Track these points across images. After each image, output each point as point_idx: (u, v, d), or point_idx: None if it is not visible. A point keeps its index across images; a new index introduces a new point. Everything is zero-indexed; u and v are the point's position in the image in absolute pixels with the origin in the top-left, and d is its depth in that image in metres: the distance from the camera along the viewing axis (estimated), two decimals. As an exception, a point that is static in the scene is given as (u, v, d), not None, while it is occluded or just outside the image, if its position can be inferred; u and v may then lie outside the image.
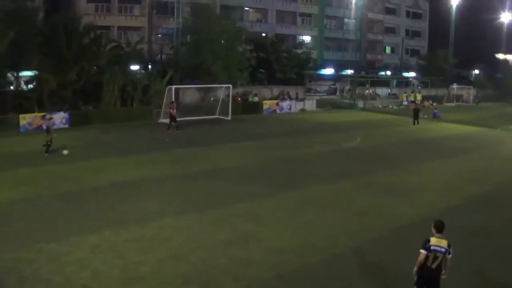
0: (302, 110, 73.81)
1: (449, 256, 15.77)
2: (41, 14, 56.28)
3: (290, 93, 77.12)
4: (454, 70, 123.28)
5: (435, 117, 73.75)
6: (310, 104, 76.72)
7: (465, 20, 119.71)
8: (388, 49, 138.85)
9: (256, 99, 70.75)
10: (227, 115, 58.89)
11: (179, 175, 32.63)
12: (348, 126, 59.90)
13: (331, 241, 22.31)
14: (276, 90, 77.63)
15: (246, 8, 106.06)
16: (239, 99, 68.06)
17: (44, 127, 41.22)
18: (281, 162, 37.16)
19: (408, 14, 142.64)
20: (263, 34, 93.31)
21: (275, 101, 71.38)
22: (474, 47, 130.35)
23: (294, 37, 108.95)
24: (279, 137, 47.16)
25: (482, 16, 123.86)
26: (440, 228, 16.26)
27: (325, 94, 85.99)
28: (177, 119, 49.88)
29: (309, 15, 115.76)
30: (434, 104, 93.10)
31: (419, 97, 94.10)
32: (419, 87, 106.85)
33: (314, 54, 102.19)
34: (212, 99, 64.80)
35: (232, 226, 23.22)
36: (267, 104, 69.22)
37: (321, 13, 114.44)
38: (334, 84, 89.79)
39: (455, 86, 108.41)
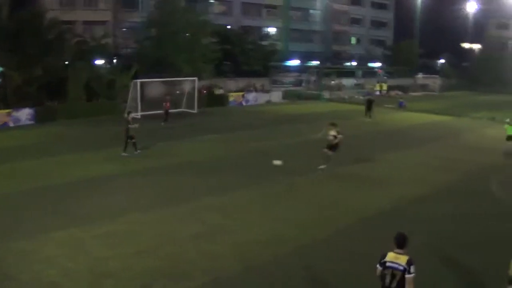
0: (268, 102, 73.90)
1: (409, 276, 13.56)
2: (6, 9, 55.69)
3: (256, 85, 77.11)
4: (420, 60, 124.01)
5: (401, 106, 74.31)
6: (276, 96, 76.84)
7: (431, 10, 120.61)
8: (353, 40, 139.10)
9: (221, 91, 70.67)
10: (193, 108, 58.83)
11: (147, 169, 32.55)
12: (314, 117, 59.94)
13: (300, 232, 22.47)
14: (241, 82, 77.57)
15: (211, 1, 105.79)
16: (205, 92, 67.88)
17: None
18: (248, 155, 37.27)
19: (373, 4, 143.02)
20: (228, 27, 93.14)
21: (241, 93, 71.36)
22: (440, 37, 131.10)
23: (260, 29, 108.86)
24: (245, 130, 47.24)
25: (447, 6, 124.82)
26: (400, 243, 14.22)
27: (291, 85, 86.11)
28: (142, 113, 49.82)
29: (274, 7, 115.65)
30: (400, 94, 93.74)
31: (384, 87, 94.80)
32: (385, 77, 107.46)
33: (280, 46, 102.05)
34: (177, 92, 64.66)
35: (200, 220, 23.29)
36: (233, 97, 69.24)
37: (286, 4, 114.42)
38: (300, 76, 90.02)
39: (421, 75, 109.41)
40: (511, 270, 14.88)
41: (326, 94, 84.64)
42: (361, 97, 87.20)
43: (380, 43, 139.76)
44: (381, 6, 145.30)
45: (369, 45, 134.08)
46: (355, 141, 45.23)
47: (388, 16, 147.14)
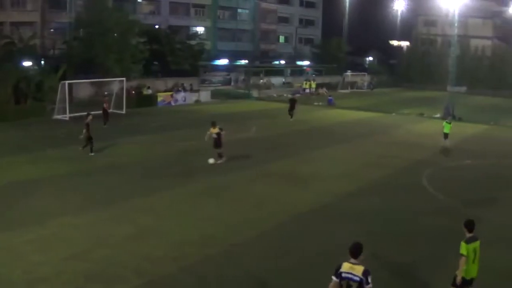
0: (197, 101, 73.84)
1: (367, 287, 13.34)
2: None
3: (185, 85, 76.94)
4: (348, 57, 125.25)
5: (330, 104, 75.21)
6: (205, 95, 76.84)
7: (359, 8, 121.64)
8: (282, 39, 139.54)
9: (150, 91, 70.44)
10: (121, 109, 58.48)
11: (77, 171, 32.43)
12: (243, 116, 60.46)
13: (232, 231, 22.90)
14: (170, 82, 77.27)
15: (139, 0, 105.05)
16: (133, 92, 67.53)
17: None
18: (178, 155, 37.43)
19: (301, 3, 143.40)
20: (157, 26, 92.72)
21: (170, 93, 71.12)
22: (368, 35, 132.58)
23: (188, 28, 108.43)
24: (174, 130, 47.26)
25: (375, 4, 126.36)
26: (354, 252, 13.71)
27: (220, 84, 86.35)
28: (72, 115, 49.49)
29: (203, 6, 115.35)
30: (329, 91, 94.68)
31: (313, 85, 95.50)
32: (313, 75, 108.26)
33: (208, 45, 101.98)
34: (106, 93, 64.32)
35: (132, 221, 23.48)
36: (161, 97, 68.94)
37: (214, 3, 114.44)
38: (228, 75, 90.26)
39: (349, 73, 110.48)
40: (462, 249, 15.40)
41: (254, 93, 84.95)
42: (289, 96, 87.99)
43: (308, 41, 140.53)
44: (309, 5, 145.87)
45: (298, 44, 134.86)
46: (284, 139, 45.85)
47: (316, 14, 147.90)
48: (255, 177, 32.70)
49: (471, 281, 15.79)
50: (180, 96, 71.74)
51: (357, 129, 53.61)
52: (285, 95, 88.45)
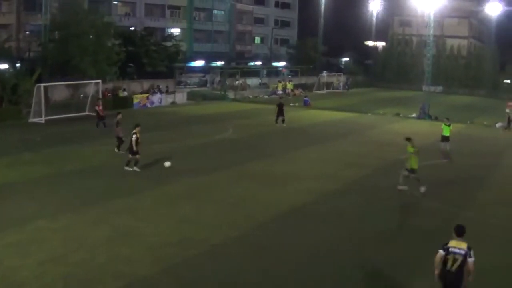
0: (173, 103, 73.67)
1: (470, 259, 15.28)
2: None
3: (161, 87, 76.76)
4: (324, 58, 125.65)
5: (306, 105, 75.39)
6: (180, 97, 76.67)
7: (334, 9, 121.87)
8: (257, 40, 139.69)
9: (125, 94, 70.16)
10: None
11: (53, 175, 32.23)
12: (219, 117, 60.44)
13: (212, 232, 22.86)
14: (146, 84, 76.97)
15: (114, 2, 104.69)
16: (109, 94, 67.22)
17: None
18: (154, 157, 37.25)
19: (277, 4, 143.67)
20: (132, 28, 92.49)
21: (146, 95, 70.91)
22: (344, 35, 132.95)
23: (163, 30, 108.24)
24: (150, 131, 46.84)
25: (351, 5, 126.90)
26: (460, 232, 15.76)
27: (196, 86, 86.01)
28: (48, 118, 49.24)
29: (178, 8, 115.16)
30: (305, 92, 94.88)
31: (290, 86, 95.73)
32: (290, 76, 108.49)
33: (184, 47, 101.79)
34: (81, 95, 63.96)
35: (110, 224, 23.36)
36: (137, 99, 68.67)
37: (190, 5, 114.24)
38: (204, 76, 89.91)
39: (325, 73, 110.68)
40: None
41: (230, 94, 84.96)
42: (265, 96, 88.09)
43: (284, 42, 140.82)
44: (285, 6, 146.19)
45: (273, 45, 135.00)
46: (262, 140, 45.96)
47: (292, 15, 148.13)
48: (234, 177, 32.72)
49: None
50: (156, 98, 71.55)
51: (334, 130, 53.80)
52: (260, 96, 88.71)
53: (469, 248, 15.35)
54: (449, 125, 43.61)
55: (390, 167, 37.64)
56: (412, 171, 30.87)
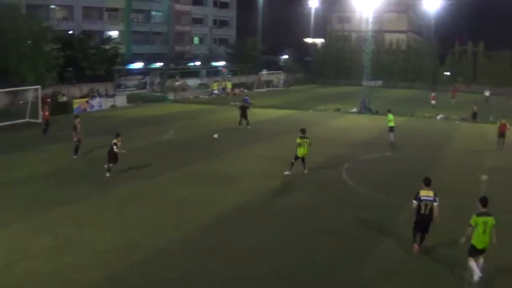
0: (113, 106, 73.12)
1: (436, 203, 20.87)
2: None
3: (100, 90, 76.13)
4: (263, 56, 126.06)
5: (246, 103, 75.22)
6: (120, 100, 76.13)
7: (273, 7, 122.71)
8: (196, 40, 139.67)
9: (65, 98, 69.40)
10: (37, 117, 57.39)
11: (-3, 183, 31.62)
12: (160, 119, 60.27)
13: (157, 235, 22.79)
14: (85, 88, 76.22)
15: (52, 6, 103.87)
16: (49, 100, 66.42)
17: None
18: (97, 162, 36.76)
19: (215, 3, 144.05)
20: (70, 32, 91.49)
21: (85, 100, 70.26)
22: (283, 33, 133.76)
23: (102, 32, 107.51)
24: (92, 136, 46.19)
25: (289, 3, 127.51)
26: (427, 183, 21.47)
27: (135, 88, 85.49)
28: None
29: (116, 10, 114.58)
30: (245, 91, 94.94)
31: (229, 85, 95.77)
32: (229, 76, 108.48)
33: (123, 49, 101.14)
34: (21, 102, 63.06)
35: (55, 231, 23.05)
36: (77, 103, 67.94)
37: (127, 7, 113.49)
38: (143, 78, 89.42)
39: (264, 72, 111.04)
40: (471, 220, 18.93)
41: (170, 96, 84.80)
42: (206, 97, 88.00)
43: (223, 42, 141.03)
44: (223, 5, 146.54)
45: (213, 44, 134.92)
46: (204, 140, 45.91)
47: (230, 14, 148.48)
48: (177, 179, 32.63)
49: (482, 251, 19.00)
50: (96, 102, 70.94)
51: (276, 127, 53.92)
52: (201, 96, 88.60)
53: (435, 195, 21.03)
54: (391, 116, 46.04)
55: (332, 162, 37.94)
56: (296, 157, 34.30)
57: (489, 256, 19.17)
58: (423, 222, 21.03)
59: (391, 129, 46.18)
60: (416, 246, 21.30)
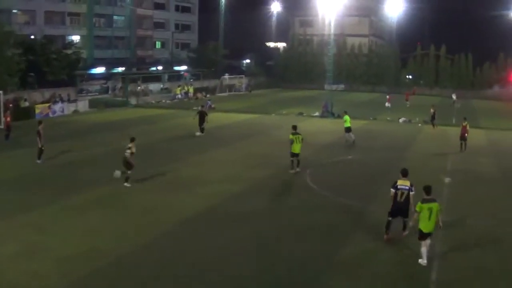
0: (75, 111, 72.74)
1: (412, 193, 22.50)
2: None
3: (62, 95, 75.70)
4: (225, 60, 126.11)
5: (209, 108, 75.32)
6: (82, 105, 75.81)
7: (235, 11, 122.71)
8: (158, 44, 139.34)
9: (27, 104, 68.94)
10: (-1, 123, 57.02)
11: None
12: (122, 124, 60.12)
13: (119, 241, 22.70)
14: (47, 93, 75.70)
15: (14, 11, 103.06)
16: (10, 105, 65.94)
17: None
18: (59, 168, 36.68)
19: (177, 8, 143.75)
20: (32, 36, 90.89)
21: (47, 105, 69.80)
22: (245, 37, 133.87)
23: (64, 37, 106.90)
24: (54, 142, 45.83)
25: (251, 7, 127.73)
26: (405, 173, 23.21)
27: (98, 93, 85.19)
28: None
29: (78, 14, 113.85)
30: (208, 95, 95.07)
31: (191, 89, 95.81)
32: (191, 80, 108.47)
33: (84, 54, 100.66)
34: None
35: (16, 239, 22.79)
36: (39, 109, 67.51)
37: (89, 11, 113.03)
38: (106, 83, 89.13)
39: (227, 76, 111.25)
40: (417, 207, 21.17)
41: (133, 100, 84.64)
42: (168, 101, 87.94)
43: (185, 46, 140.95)
44: (185, 10, 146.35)
45: (175, 49, 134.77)
46: (166, 145, 45.87)
47: (192, 19, 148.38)
48: (140, 185, 32.47)
49: (428, 235, 20.99)
50: (58, 107, 70.57)
51: (238, 131, 54.08)
52: (163, 101, 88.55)
53: (411, 185, 22.72)
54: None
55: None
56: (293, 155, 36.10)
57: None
58: (399, 209, 22.72)
59: (348, 129, 46.97)
60: (386, 236, 23.18)
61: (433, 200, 21.09)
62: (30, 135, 41.66)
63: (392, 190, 22.79)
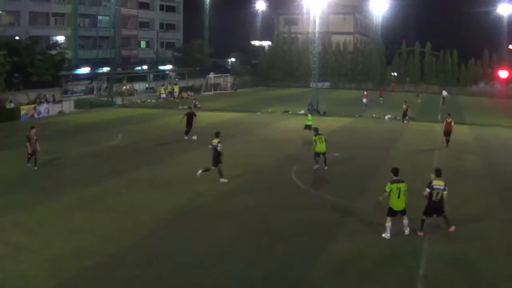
0: (61, 112, 72.53)
1: (446, 192, 23.38)
2: None
3: (47, 96, 75.46)
4: (211, 59, 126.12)
5: (194, 107, 75.23)
6: (68, 106, 75.61)
7: (220, 10, 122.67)
8: (143, 44, 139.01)
9: (12, 105, 68.70)
10: (-16, 125, 56.86)
11: None
12: (108, 124, 60.03)
13: (105, 241, 22.63)
14: (32, 94, 75.49)
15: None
16: (-4, 107, 65.85)
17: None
18: (44, 168, 36.50)
19: (162, 7, 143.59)
20: (17, 37, 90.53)
21: (32, 106, 69.61)
22: (230, 36, 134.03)
23: (48, 38, 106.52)
24: (40, 142, 45.89)
25: (236, 6, 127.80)
26: (439, 173, 24.05)
27: (83, 94, 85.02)
28: None
29: (62, 15, 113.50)
30: (193, 94, 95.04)
31: (176, 89, 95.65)
32: (176, 79, 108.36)
33: (69, 54, 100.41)
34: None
35: (2, 240, 22.70)
36: (24, 110, 67.29)
37: (74, 11, 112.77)
38: (91, 83, 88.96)
39: (212, 75, 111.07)
40: (386, 187, 23.26)
41: (118, 100, 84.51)
42: (153, 101, 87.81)
43: (170, 45, 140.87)
44: (170, 9, 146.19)
45: (160, 48, 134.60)
46: (150, 145, 45.76)
47: (177, 18, 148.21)
48: (125, 184, 32.43)
49: (402, 212, 23.45)
50: (43, 108, 70.35)
51: (224, 130, 53.42)
52: (148, 100, 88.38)
53: (445, 185, 23.49)
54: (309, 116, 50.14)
55: (281, 164, 38.14)
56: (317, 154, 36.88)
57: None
58: (434, 208, 23.59)
59: (308, 127, 47.36)
60: (421, 233, 23.80)
61: (401, 181, 23.46)
62: (15, 136, 41.50)
63: (428, 190, 23.55)
